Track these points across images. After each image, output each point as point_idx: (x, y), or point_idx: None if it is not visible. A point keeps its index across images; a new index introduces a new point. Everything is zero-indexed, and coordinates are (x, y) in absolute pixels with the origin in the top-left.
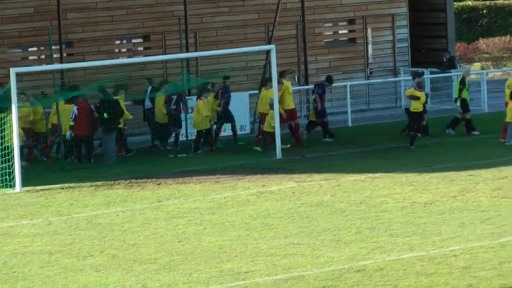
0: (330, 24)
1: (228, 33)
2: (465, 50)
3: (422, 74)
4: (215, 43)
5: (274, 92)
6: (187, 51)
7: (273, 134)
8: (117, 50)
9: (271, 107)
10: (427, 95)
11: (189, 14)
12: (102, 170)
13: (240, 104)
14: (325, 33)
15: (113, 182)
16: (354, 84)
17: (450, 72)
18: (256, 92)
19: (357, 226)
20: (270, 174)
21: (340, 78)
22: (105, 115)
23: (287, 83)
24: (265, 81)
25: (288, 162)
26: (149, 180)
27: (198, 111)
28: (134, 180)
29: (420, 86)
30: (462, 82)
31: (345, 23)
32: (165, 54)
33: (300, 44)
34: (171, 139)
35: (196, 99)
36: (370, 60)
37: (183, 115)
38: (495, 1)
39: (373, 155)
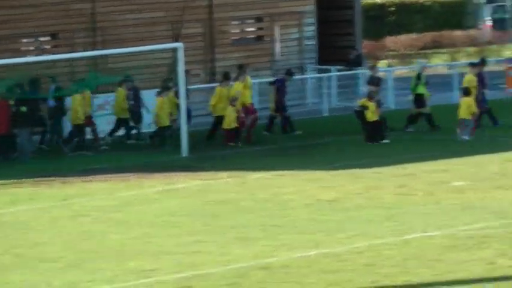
0: (238, 22)
1: (135, 31)
2: (372, 48)
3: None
4: (123, 41)
5: (181, 91)
6: (95, 48)
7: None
8: (24, 49)
9: (231, 103)
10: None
11: (97, 11)
12: (10, 168)
13: (146, 101)
14: (232, 31)
15: (20, 180)
16: (262, 82)
17: (357, 70)
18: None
19: (263, 223)
20: (176, 172)
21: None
22: (23, 109)
23: (247, 77)
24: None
25: (194, 160)
26: (56, 179)
27: (159, 108)
28: (41, 178)
29: (371, 96)
30: (418, 77)
31: (252, 21)
32: (73, 52)
33: (208, 42)
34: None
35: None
36: (277, 58)
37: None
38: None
39: (279, 152)
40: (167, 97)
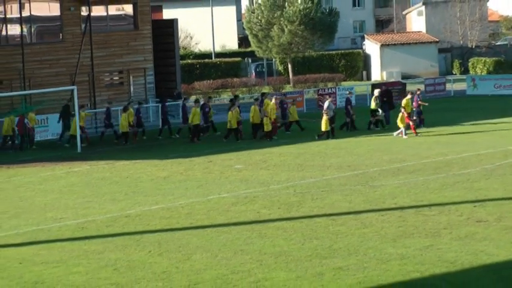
0: (108, 74)
1: (48, 79)
2: (187, 88)
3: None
4: (42, 85)
5: (76, 115)
6: (25, 89)
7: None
8: None
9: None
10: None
11: (26, 67)
12: None
13: (54, 120)
14: (106, 79)
15: None
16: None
17: (177, 102)
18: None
19: (125, 191)
20: (75, 161)
21: (115, 105)
22: None
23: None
24: (264, 96)
25: (84, 154)
26: (2, 166)
27: (253, 113)
28: None
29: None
30: (376, 99)
31: (117, 73)
32: (12, 92)
33: (91, 85)
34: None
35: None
36: (132, 95)
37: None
38: (201, 60)
39: (135, 149)
40: (256, 105)
